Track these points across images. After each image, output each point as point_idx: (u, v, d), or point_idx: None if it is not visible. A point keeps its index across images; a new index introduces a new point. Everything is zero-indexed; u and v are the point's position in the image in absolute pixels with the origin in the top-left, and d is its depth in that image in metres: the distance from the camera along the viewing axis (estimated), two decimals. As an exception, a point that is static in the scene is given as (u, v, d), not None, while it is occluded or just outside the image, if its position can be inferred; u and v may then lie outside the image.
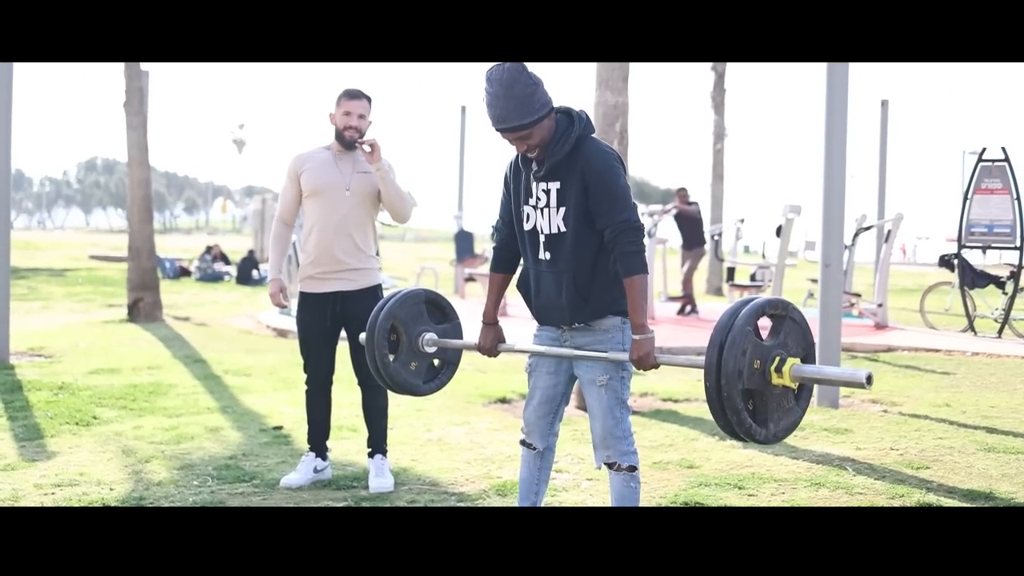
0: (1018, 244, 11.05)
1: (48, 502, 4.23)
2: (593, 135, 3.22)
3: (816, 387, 6.59)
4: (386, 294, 4.60)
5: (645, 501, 4.20)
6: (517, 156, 3.28)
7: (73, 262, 26.56)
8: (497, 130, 3.11)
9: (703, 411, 6.04)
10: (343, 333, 4.54)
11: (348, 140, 4.42)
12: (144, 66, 12.01)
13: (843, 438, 5.57)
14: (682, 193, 13.88)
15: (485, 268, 15.64)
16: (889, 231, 12.75)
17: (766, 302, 2.77)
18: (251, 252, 21.06)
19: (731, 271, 14.37)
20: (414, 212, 4.59)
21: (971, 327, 11.21)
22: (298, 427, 5.72)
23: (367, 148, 4.35)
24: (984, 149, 11.37)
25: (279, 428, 5.83)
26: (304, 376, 4.63)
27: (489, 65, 3.10)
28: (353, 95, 4.44)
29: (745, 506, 4.23)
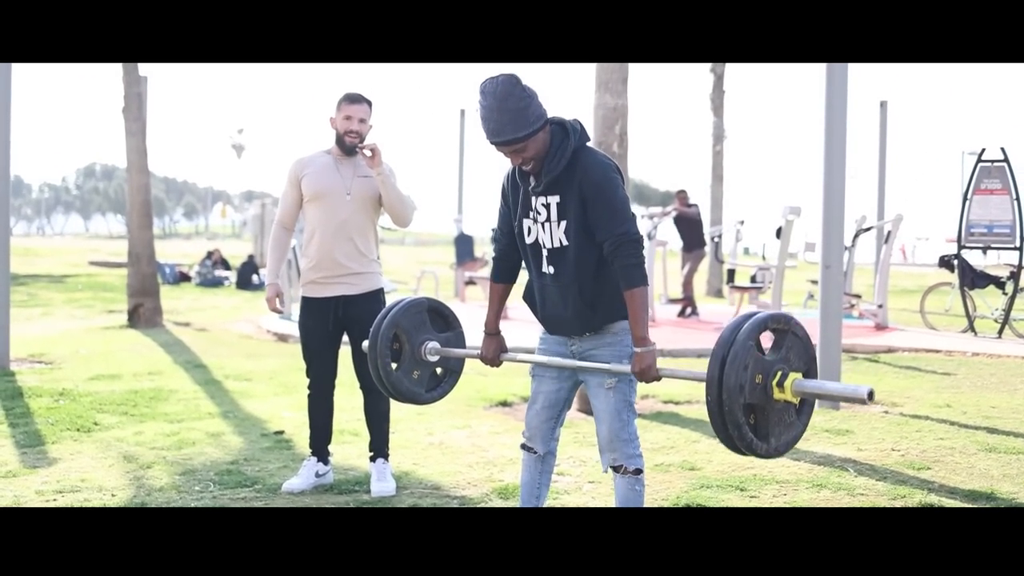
0: (1017, 244, 11.06)
1: (50, 508, 4.23)
2: (589, 144, 3.20)
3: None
4: (387, 298, 4.62)
5: (647, 503, 4.20)
6: (514, 168, 3.28)
7: (73, 268, 26.56)
8: (492, 143, 3.10)
9: (704, 413, 6.02)
10: (345, 337, 4.54)
11: (349, 144, 4.42)
12: (143, 71, 12.01)
13: (844, 439, 5.57)
14: (682, 195, 13.88)
15: (485, 271, 15.71)
16: (889, 232, 12.75)
17: (769, 316, 2.76)
18: (251, 257, 21.07)
19: (731, 273, 14.38)
20: (414, 216, 4.58)
21: (971, 328, 11.21)
22: (299, 432, 5.72)
23: (368, 152, 4.35)
24: (983, 150, 11.38)
25: (280, 433, 5.83)
26: (306, 380, 4.63)
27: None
28: (354, 99, 4.43)
29: (746, 507, 4.23)
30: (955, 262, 11.53)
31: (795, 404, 2.80)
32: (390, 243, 53.36)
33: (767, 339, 2.78)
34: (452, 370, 3.72)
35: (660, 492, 4.46)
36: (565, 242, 3.18)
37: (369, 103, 4.46)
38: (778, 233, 11.12)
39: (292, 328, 11.20)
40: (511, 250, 3.41)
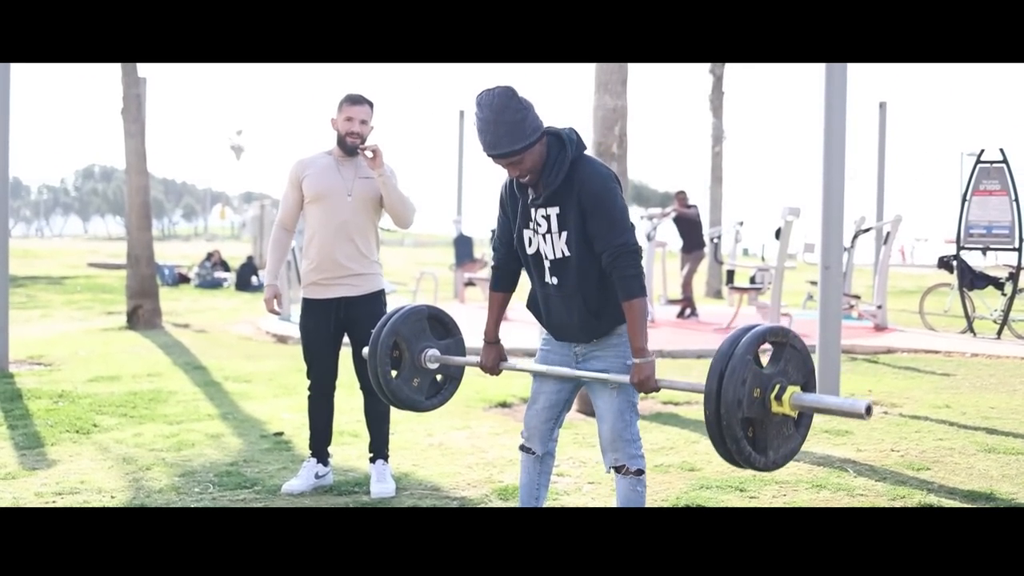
0: (1016, 245, 11.06)
1: (49, 510, 4.23)
2: (586, 153, 3.20)
3: (817, 386, 6.61)
4: (386, 299, 4.62)
5: (646, 504, 4.20)
6: (511, 179, 3.27)
7: (72, 270, 26.55)
8: (489, 156, 3.10)
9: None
10: (345, 339, 4.54)
11: (350, 146, 4.41)
12: (142, 72, 12.00)
13: (844, 440, 5.57)
14: (681, 196, 13.89)
15: (485, 272, 15.72)
16: (888, 233, 12.76)
17: (767, 330, 2.76)
18: (250, 258, 21.06)
19: (730, 274, 14.38)
20: (415, 217, 4.58)
21: (970, 328, 11.22)
22: (299, 433, 5.72)
23: (369, 154, 4.35)
24: (982, 151, 11.39)
25: (280, 434, 5.82)
26: (306, 382, 4.63)
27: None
28: (355, 100, 4.43)
29: (746, 507, 4.23)
30: (954, 263, 11.54)
31: (793, 417, 2.80)
32: (389, 244, 53.37)
33: (765, 351, 2.78)
34: (452, 377, 3.73)
35: (660, 493, 4.46)
36: (567, 253, 3.18)
37: (370, 104, 4.46)
38: (777, 234, 11.12)
39: (291, 329, 11.19)
40: (510, 259, 3.41)
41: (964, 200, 11.44)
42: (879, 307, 12.09)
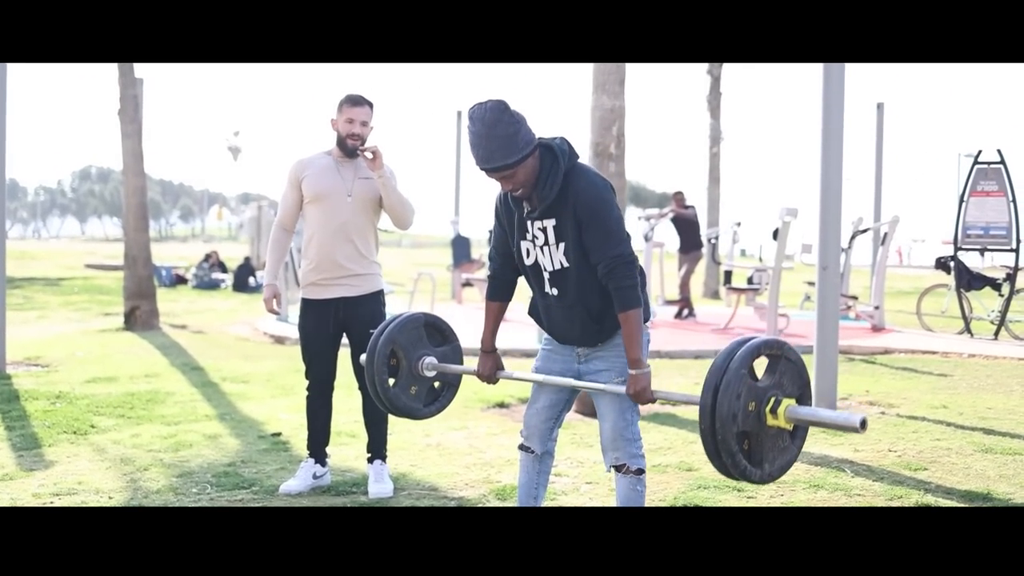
0: (1013, 246, 11.08)
1: (47, 510, 4.22)
2: (579, 162, 3.19)
3: (815, 387, 6.62)
4: (385, 299, 4.62)
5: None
6: (505, 192, 3.27)
7: (69, 271, 26.53)
8: (482, 170, 3.10)
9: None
10: (344, 339, 4.55)
11: (350, 147, 4.41)
12: (138, 73, 11.99)
13: (841, 440, 5.58)
14: (679, 197, 13.90)
15: (482, 273, 15.71)
16: (885, 234, 12.77)
17: (762, 343, 2.75)
18: (247, 259, 21.05)
19: (728, 274, 14.40)
20: (414, 218, 4.58)
21: (967, 329, 11.22)
22: (297, 433, 5.72)
23: (369, 155, 4.35)
24: (980, 151, 11.40)
25: (278, 435, 5.82)
26: (304, 382, 4.63)
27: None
28: (356, 101, 4.43)
29: (744, 507, 4.23)
30: (951, 264, 11.55)
31: (789, 429, 2.80)
32: (386, 245, 53.34)
33: (761, 362, 2.78)
34: (450, 384, 3.73)
35: (658, 493, 4.46)
36: (566, 264, 3.19)
37: (371, 105, 4.46)
38: (775, 235, 11.13)
39: (289, 330, 11.19)
40: (506, 269, 3.42)
41: (961, 201, 11.45)
42: (876, 308, 12.11)
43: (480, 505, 4.36)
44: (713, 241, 16.25)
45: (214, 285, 20.62)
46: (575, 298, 3.20)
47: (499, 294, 3.47)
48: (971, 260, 11.67)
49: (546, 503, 4.20)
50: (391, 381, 3.54)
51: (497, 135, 3.01)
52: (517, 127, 3.04)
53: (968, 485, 4.59)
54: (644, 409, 6.66)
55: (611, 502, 4.29)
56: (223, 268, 22.11)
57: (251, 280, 19.78)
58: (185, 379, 7.99)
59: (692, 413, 6.47)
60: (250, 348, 10.40)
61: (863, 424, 2.57)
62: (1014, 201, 11.12)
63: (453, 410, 6.46)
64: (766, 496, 4.43)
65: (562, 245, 3.17)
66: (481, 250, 18.21)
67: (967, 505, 4.27)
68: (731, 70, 21.65)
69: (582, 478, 4.81)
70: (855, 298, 12.83)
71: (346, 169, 4.45)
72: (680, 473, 4.84)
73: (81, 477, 4.79)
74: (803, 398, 2.82)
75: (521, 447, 3.50)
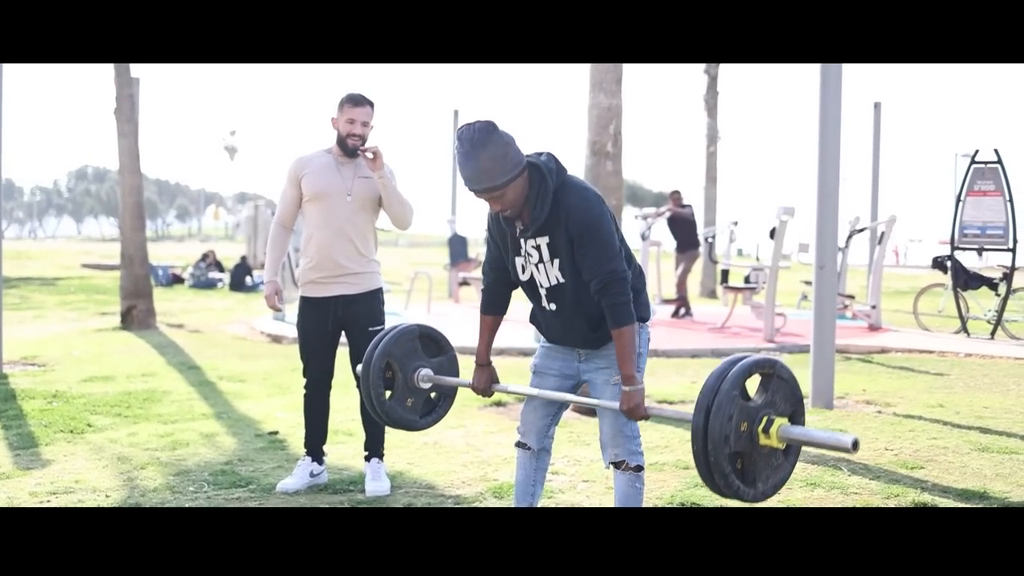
0: (1010, 246, 11.09)
1: (43, 509, 4.22)
2: (568, 177, 3.17)
3: (812, 386, 6.63)
4: (384, 297, 4.62)
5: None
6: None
7: (65, 271, 26.50)
8: (470, 190, 3.09)
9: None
10: (343, 339, 4.54)
11: (351, 147, 4.40)
12: (134, 72, 11.97)
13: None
14: (676, 196, 13.91)
15: (479, 271, 15.69)
16: (882, 233, 12.79)
17: (753, 363, 2.74)
18: (244, 259, 21.03)
19: (725, 273, 14.40)
20: (413, 218, 4.58)
21: (964, 329, 11.24)
22: (293, 432, 5.72)
23: (369, 155, 4.34)
24: (977, 151, 11.41)
25: (274, 433, 5.82)
26: (302, 381, 4.63)
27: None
28: (357, 101, 4.41)
29: (741, 506, 4.23)
30: (948, 263, 11.56)
31: (782, 448, 2.80)
32: (383, 244, 53.08)
33: (754, 379, 2.78)
34: (446, 394, 3.73)
35: (655, 491, 4.46)
36: (561, 279, 3.19)
37: (372, 105, 4.45)
38: (772, 234, 11.15)
39: (285, 329, 11.19)
40: (500, 283, 3.41)
41: (958, 201, 11.46)
42: (873, 307, 12.12)
43: (477, 503, 4.36)
44: (710, 240, 16.27)
45: (211, 284, 20.60)
46: (573, 311, 3.22)
47: (493, 308, 3.47)
48: (968, 260, 11.69)
49: (543, 501, 4.21)
50: (387, 394, 3.55)
51: (485, 156, 3.01)
52: (505, 148, 3.03)
53: (964, 484, 4.59)
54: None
55: (608, 500, 4.29)
56: (220, 267, 22.09)
57: (248, 279, 19.77)
58: (182, 378, 7.98)
59: (689, 412, 6.46)
60: (247, 347, 10.39)
61: (855, 445, 2.57)
62: (1011, 201, 11.13)
63: (451, 408, 6.46)
64: (763, 494, 4.43)
65: (557, 262, 3.18)
66: (478, 249, 18.17)
67: (963, 504, 4.27)
68: (728, 69, 21.67)
69: (579, 476, 4.81)
70: (852, 297, 12.85)
71: (346, 168, 4.44)
72: (677, 471, 4.84)
73: (78, 476, 4.78)
74: (796, 416, 2.82)
75: (518, 444, 3.51)
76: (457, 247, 17.07)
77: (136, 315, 11.87)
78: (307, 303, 4.52)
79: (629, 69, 7.15)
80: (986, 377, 8.09)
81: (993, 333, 10.92)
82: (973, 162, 11.43)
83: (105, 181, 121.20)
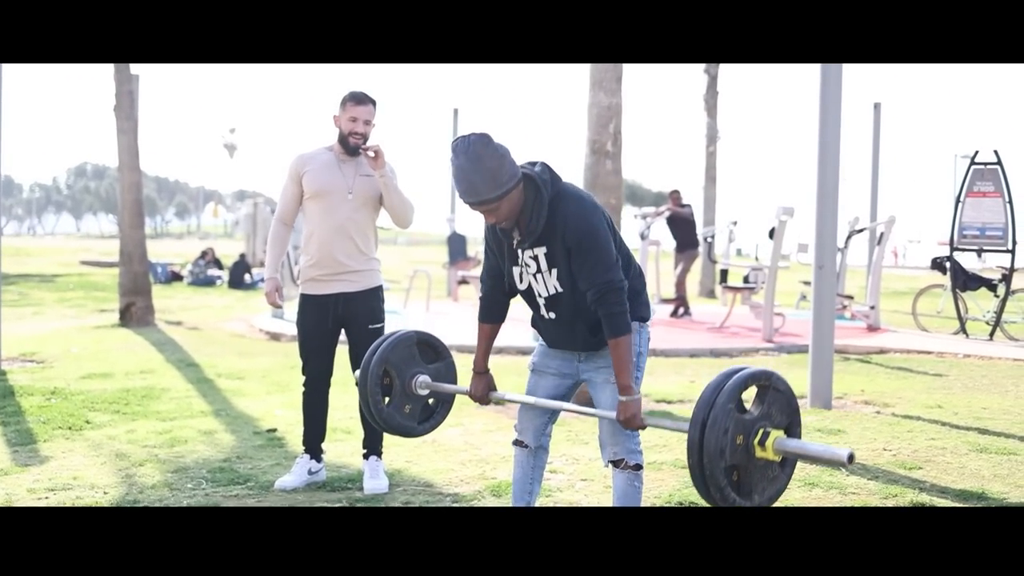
0: (1009, 247, 11.09)
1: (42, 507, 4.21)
2: (563, 185, 3.17)
3: (810, 386, 6.63)
4: (384, 295, 4.62)
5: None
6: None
7: (64, 268, 26.49)
8: (466, 203, 3.09)
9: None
10: (342, 337, 4.54)
11: (353, 146, 4.40)
12: (134, 70, 11.97)
13: (836, 439, 5.59)
14: (675, 195, 13.91)
15: (478, 270, 15.70)
16: (882, 233, 12.79)
17: (749, 375, 2.74)
18: (243, 256, 21.03)
19: (724, 273, 14.41)
20: (413, 217, 4.57)
21: (963, 329, 11.24)
22: (292, 430, 5.72)
23: (371, 154, 4.34)
24: (976, 152, 11.41)
25: (273, 431, 5.82)
26: (300, 378, 4.63)
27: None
28: (360, 100, 4.41)
29: (739, 506, 4.23)
30: (947, 264, 11.57)
31: (778, 460, 2.80)
32: (383, 242, 53.07)
33: (750, 390, 2.78)
34: (444, 400, 3.74)
35: (653, 490, 4.46)
36: (560, 289, 3.20)
37: (374, 104, 4.45)
38: (771, 234, 11.15)
39: (284, 327, 11.19)
40: (497, 292, 3.41)
41: (958, 201, 11.47)
42: (872, 307, 12.12)
43: (475, 501, 4.36)
44: (709, 240, 16.27)
45: (210, 282, 20.60)
46: (572, 319, 3.23)
47: (491, 316, 3.47)
48: (967, 261, 11.69)
49: (541, 500, 4.21)
50: (385, 400, 3.55)
51: (481, 168, 2.99)
52: (501, 160, 3.02)
53: (963, 484, 4.59)
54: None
55: (607, 499, 4.29)
56: (219, 265, 22.09)
57: (246, 277, 19.76)
58: (180, 375, 7.98)
59: (687, 411, 6.46)
60: (245, 345, 10.39)
61: (850, 458, 2.57)
62: (1010, 202, 11.13)
63: (448, 414, 6.46)
64: (761, 494, 4.43)
65: (555, 271, 3.18)
66: (477, 247, 18.18)
67: (962, 504, 4.27)
68: (728, 69, 21.65)
69: (577, 475, 4.81)
70: (851, 298, 12.85)
71: (347, 166, 4.44)
72: (675, 470, 4.85)
73: (76, 473, 4.78)
74: (792, 427, 2.82)
75: (515, 442, 3.51)
76: (456, 245, 17.07)
77: (135, 312, 11.87)
78: (307, 300, 4.51)
79: (629, 69, 7.15)
80: (984, 378, 8.09)
81: (992, 334, 10.92)
82: (973, 163, 11.43)
83: (104, 178, 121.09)
